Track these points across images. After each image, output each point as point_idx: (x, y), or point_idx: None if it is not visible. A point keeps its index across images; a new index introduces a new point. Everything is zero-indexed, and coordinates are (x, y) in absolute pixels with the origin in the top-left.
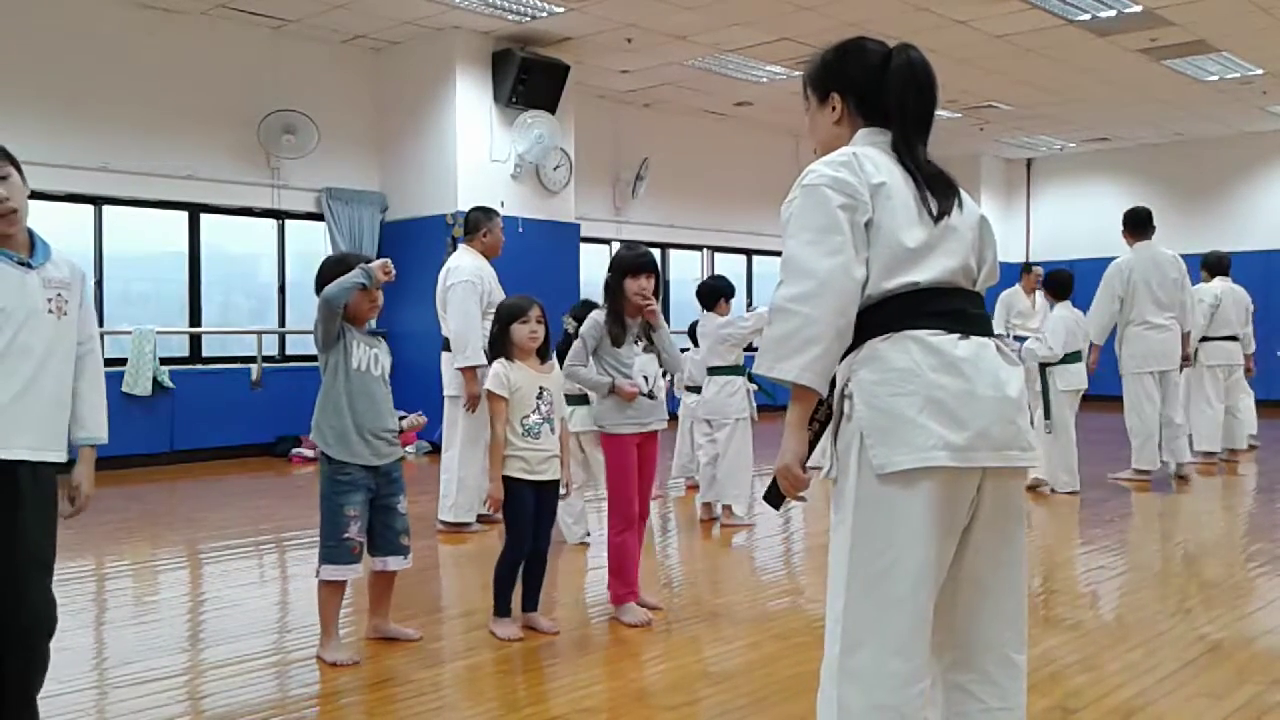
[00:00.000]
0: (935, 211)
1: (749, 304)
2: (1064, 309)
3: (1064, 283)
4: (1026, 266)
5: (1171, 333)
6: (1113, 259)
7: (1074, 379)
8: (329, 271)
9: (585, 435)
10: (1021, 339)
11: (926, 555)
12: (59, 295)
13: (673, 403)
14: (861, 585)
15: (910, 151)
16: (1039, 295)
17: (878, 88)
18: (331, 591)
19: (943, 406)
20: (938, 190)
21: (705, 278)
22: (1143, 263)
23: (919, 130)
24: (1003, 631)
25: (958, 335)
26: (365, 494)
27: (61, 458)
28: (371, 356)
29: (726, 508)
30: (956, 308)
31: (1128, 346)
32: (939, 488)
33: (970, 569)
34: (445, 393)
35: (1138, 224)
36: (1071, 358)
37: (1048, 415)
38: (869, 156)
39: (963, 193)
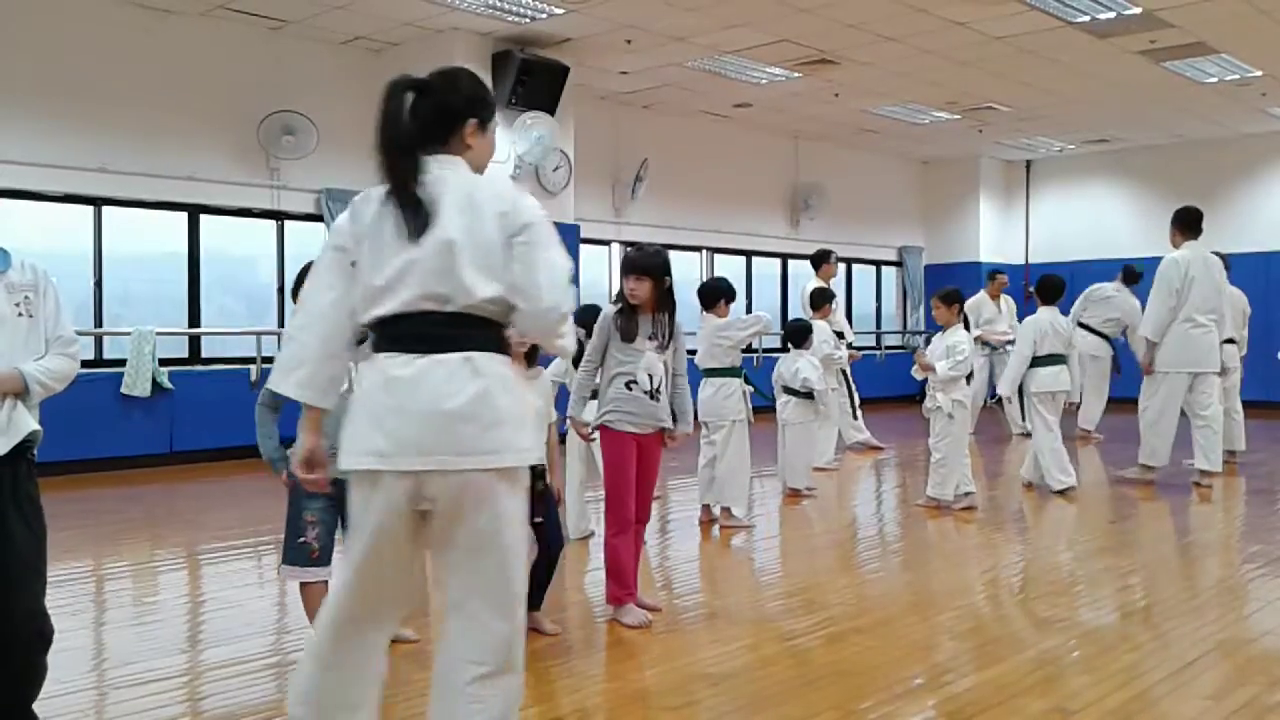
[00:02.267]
0: (408, 240)
1: (749, 306)
2: (1046, 312)
3: (1055, 287)
4: (991, 274)
5: (1212, 334)
6: (1112, 261)
7: (1045, 381)
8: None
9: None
10: (991, 345)
11: (369, 548)
12: (25, 299)
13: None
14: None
15: (396, 180)
16: (1004, 300)
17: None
18: (310, 593)
19: (378, 419)
20: (411, 219)
21: (705, 279)
22: (1196, 261)
23: (412, 151)
24: (469, 649)
25: (414, 355)
26: (327, 502)
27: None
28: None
29: (725, 509)
30: (417, 331)
31: (1168, 344)
32: (377, 488)
33: (447, 583)
34: None
35: (1189, 223)
36: (1046, 360)
37: (1023, 417)
38: (369, 198)
39: (443, 212)
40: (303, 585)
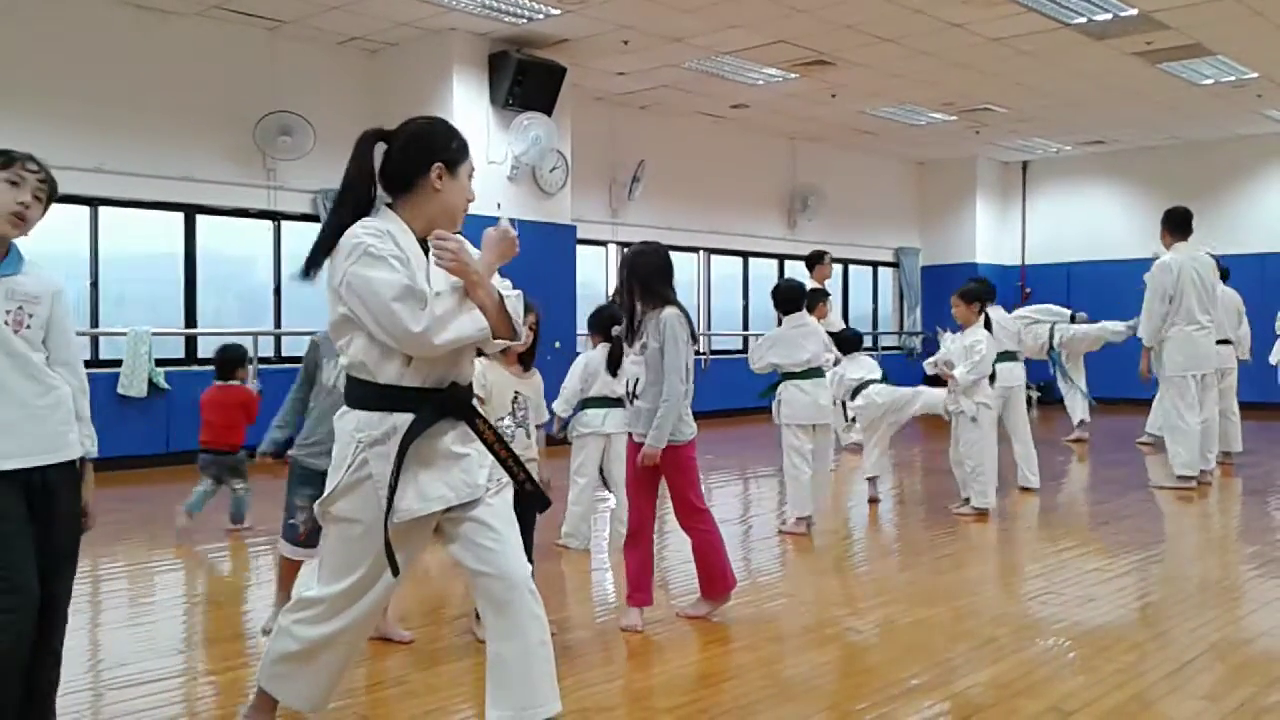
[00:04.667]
0: None
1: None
2: (989, 311)
3: (989, 290)
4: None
5: (1212, 335)
6: (1109, 262)
7: (1001, 377)
8: None
9: (617, 437)
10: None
11: None
12: (20, 308)
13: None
14: None
15: None
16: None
17: None
18: (287, 568)
19: None
20: None
21: (781, 280)
22: (1187, 263)
23: None
24: None
25: None
26: (315, 491)
27: (28, 463)
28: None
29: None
30: None
31: (1171, 349)
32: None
33: None
34: None
35: (1178, 224)
36: (997, 358)
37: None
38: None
39: None
40: (284, 559)
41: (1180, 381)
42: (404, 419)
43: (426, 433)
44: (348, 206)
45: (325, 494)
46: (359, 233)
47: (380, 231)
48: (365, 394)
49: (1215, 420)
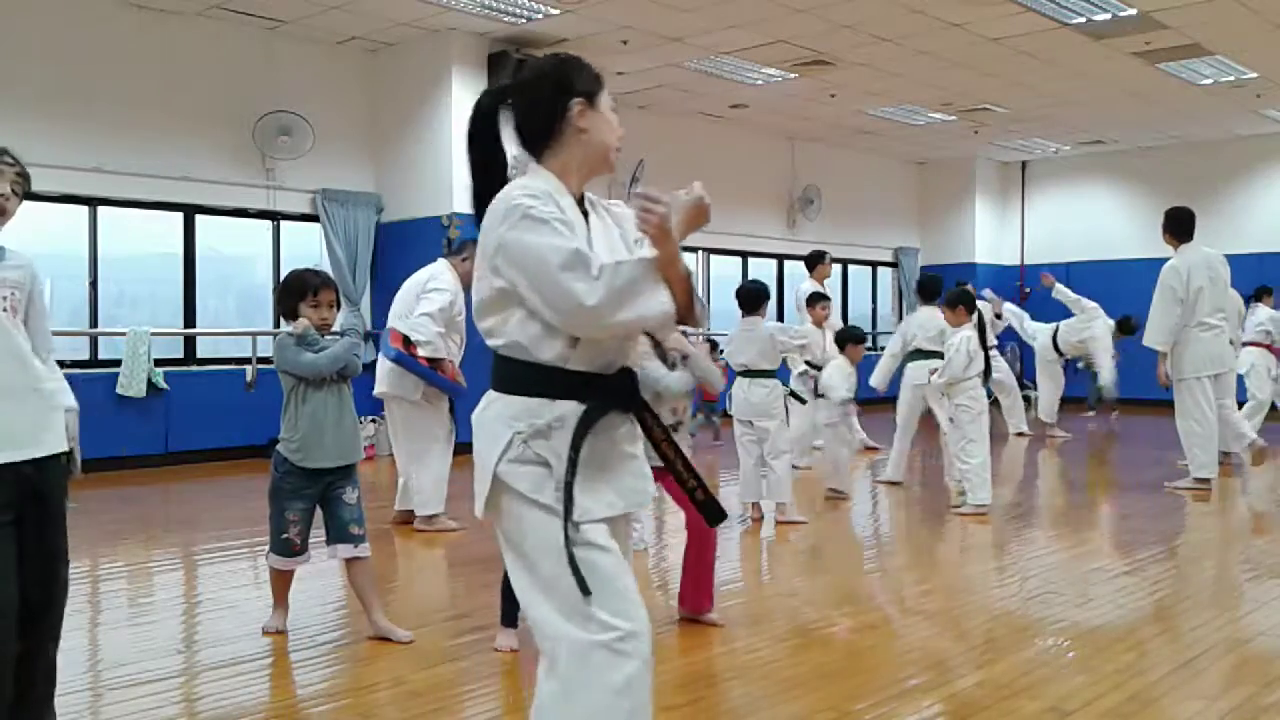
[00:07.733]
0: None
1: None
2: (924, 311)
3: (932, 287)
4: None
5: (1224, 335)
6: (1107, 262)
7: (917, 375)
8: (293, 287)
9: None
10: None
11: None
12: (13, 294)
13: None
14: None
15: None
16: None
17: None
18: (280, 577)
19: None
20: None
21: (744, 282)
22: (1196, 264)
23: None
24: None
25: None
26: (309, 502)
27: (20, 456)
28: None
29: (780, 506)
30: None
31: (1182, 350)
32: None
33: None
34: (387, 393)
35: (1181, 225)
36: (916, 355)
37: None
38: None
39: None
40: (276, 570)
41: (1195, 383)
42: (572, 408)
43: (597, 426)
44: (479, 181)
45: (481, 502)
46: (515, 194)
47: (539, 192)
48: (523, 377)
49: (1223, 419)
